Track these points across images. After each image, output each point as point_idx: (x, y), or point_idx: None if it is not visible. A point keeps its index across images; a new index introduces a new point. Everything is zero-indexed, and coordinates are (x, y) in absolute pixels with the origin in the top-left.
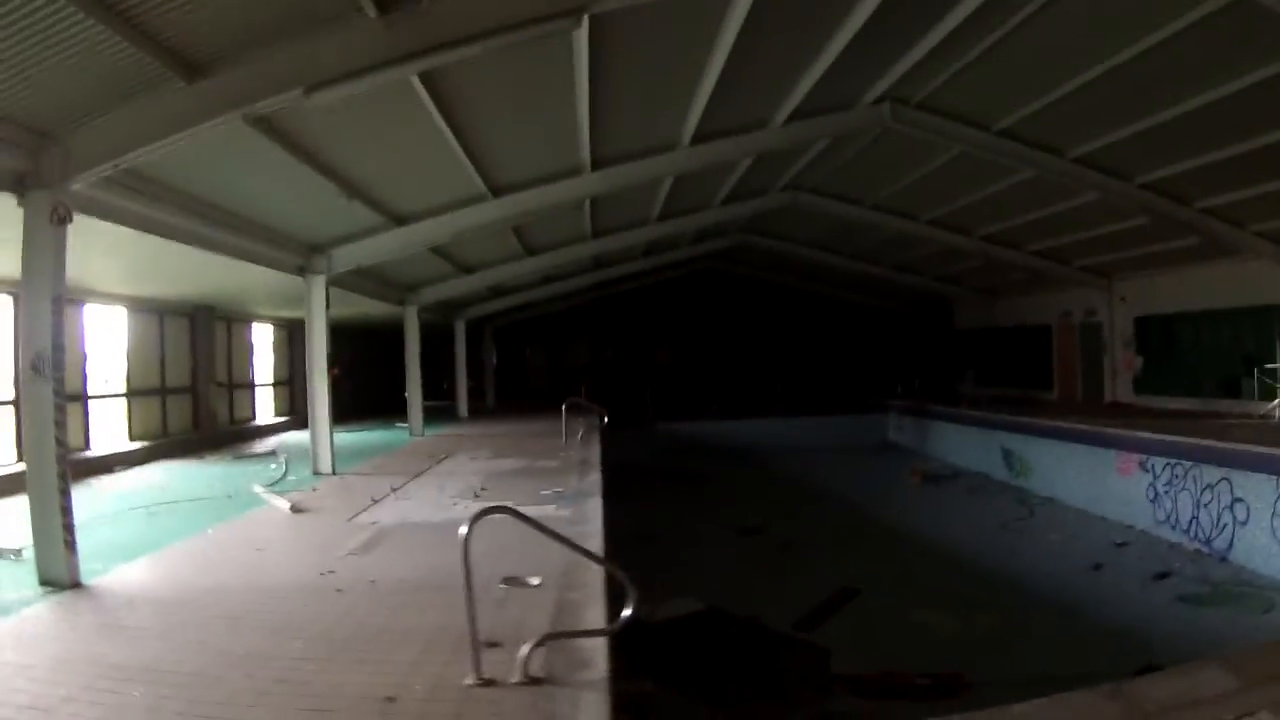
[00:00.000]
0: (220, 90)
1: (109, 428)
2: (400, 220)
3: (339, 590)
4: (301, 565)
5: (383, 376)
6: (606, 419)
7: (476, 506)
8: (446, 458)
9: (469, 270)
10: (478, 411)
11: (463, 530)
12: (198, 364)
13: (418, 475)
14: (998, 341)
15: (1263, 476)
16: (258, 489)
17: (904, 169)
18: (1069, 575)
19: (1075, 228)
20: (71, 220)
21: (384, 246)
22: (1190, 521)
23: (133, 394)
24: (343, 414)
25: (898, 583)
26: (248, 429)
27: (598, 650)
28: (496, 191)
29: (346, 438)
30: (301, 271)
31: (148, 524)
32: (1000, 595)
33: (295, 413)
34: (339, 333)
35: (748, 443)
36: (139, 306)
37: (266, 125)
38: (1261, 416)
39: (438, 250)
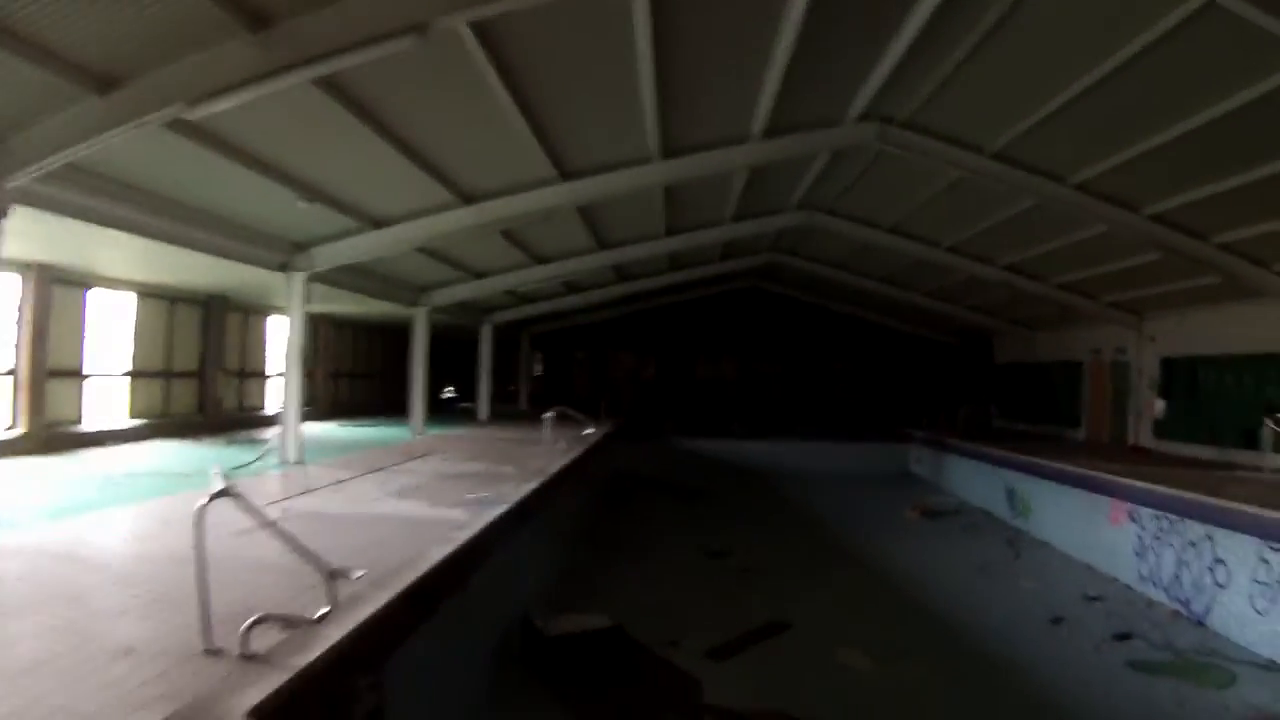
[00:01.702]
0: (124, 102)
1: (110, 405)
2: (377, 223)
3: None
4: (186, 540)
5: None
6: (590, 431)
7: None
8: (421, 457)
9: (479, 275)
10: (502, 415)
11: (198, 505)
12: (207, 350)
13: (374, 471)
14: (1032, 377)
15: (1245, 538)
16: (212, 471)
17: (910, 192)
18: (1024, 627)
19: (1094, 261)
20: (6, 214)
21: (364, 247)
22: (1171, 579)
23: (136, 374)
24: (365, 409)
25: (841, 619)
26: (256, 416)
27: (324, 640)
28: (467, 199)
29: (348, 431)
30: (283, 268)
31: (98, 492)
32: (941, 641)
33: (311, 404)
34: (369, 330)
35: (764, 464)
36: (149, 292)
37: (189, 129)
38: (1275, 470)
39: (435, 254)
